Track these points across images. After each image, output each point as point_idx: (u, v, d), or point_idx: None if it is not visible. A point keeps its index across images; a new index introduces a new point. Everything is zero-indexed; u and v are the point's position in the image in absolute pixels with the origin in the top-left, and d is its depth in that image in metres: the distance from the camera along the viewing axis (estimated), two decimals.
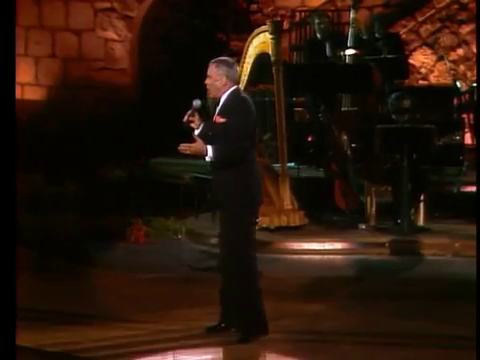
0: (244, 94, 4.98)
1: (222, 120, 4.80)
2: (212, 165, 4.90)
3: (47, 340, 4.84)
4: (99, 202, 8.00)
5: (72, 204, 8.01)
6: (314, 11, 9.44)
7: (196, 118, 4.87)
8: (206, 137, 4.80)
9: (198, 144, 4.79)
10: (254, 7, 10.43)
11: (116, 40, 10.09)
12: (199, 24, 10.17)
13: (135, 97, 9.88)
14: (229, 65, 4.92)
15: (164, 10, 10.26)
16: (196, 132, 4.85)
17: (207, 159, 4.82)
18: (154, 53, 10.11)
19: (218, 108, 4.90)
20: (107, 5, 10.10)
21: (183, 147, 4.82)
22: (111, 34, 10.12)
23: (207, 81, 4.95)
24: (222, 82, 4.87)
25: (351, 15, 8.74)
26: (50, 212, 7.72)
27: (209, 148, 4.76)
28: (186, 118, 4.88)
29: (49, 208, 7.83)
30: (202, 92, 8.26)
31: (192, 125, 4.89)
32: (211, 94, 4.98)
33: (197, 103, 4.90)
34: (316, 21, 8.79)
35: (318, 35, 8.79)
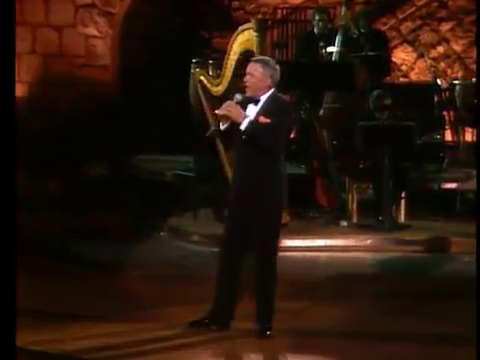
0: (283, 97, 5.06)
1: (267, 120, 4.79)
2: (243, 151, 4.83)
3: (29, 338, 4.83)
4: (82, 199, 7.98)
5: (55, 202, 7.98)
6: (306, 8, 9.46)
7: (238, 110, 4.81)
8: (250, 134, 4.77)
9: (239, 110, 4.78)
10: (236, 4, 10.43)
11: (97, 36, 10.05)
12: (181, 21, 10.16)
13: (117, 94, 9.85)
14: (274, 67, 4.95)
15: (145, 7, 10.23)
16: (242, 126, 4.78)
17: (242, 127, 4.74)
18: (136, 50, 10.08)
19: (259, 108, 4.85)
20: (88, 1, 10.05)
21: (226, 108, 4.77)
22: (92, 30, 10.07)
23: (249, 79, 4.89)
24: (266, 83, 4.88)
25: (342, 12, 8.77)
26: (33, 210, 7.69)
27: (246, 120, 4.74)
28: (224, 109, 4.81)
29: (32, 206, 7.80)
30: (183, 89, 8.34)
31: (230, 115, 4.80)
32: (249, 92, 4.90)
33: (239, 97, 4.88)
34: (316, 17, 8.81)
35: (315, 31, 8.82)
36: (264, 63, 4.93)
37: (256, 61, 4.98)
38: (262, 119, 4.80)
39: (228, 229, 4.93)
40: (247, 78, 4.91)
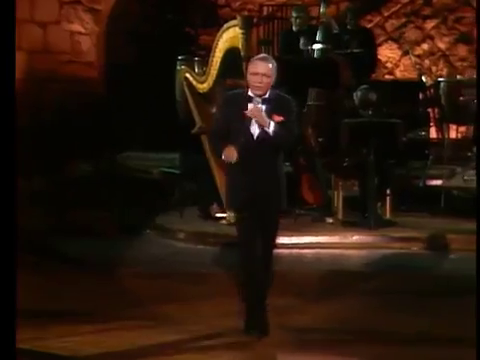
0: (283, 93, 4.91)
1: (280, 118, 4.74)
2: (258, 152, 4.76)
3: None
4: (67, 197, 7.96)
5: (39, 199, 7.96)
6: (291, 5, 9.45)
7: (264, 115, 4.73)
8: (278, 135, 4.72)
9: (264, 114, 4.71)
10: (222, 1, 10.43)
11: (82, 33, 10.02)
12: (167, 18, 10.15)
13: (102, 91, 9.83)
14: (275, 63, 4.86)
15: (131, 4, 10.21)
16: (271, 132, 4.72)
17: (270, 130, 4.68)
18: (121, 47, 10.06)
19: (268, 107, 4.75)
20: None
21: (255, 108, 4.68)
22: (77, 27, 10.04)
23: (263, 80, 4.74)
24: (273, 80, 4.80)
25: (321, 9, 8.79)
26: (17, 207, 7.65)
27: (272, 124, 4.69)
28: (251, 111, 4.71)
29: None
30: (168, 86, 8.33)
31: (257, 119, 4.72)
32: (260, 92, 4.77)
33: (259, 100, 4.76)
34: (294, 15, 8.83)
35: (294, 28, 8.83)
36: (270, 60, 4.83)
37: (264, 59, 4.84)
38: (276, 117, 4.74)
39: (246, 232, 4.83)
40: (260, 79, 4.73)
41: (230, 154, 4.77)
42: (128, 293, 5.93)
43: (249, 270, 4.82)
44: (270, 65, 4.78)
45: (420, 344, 4.85)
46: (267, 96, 4.78)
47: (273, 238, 4.92)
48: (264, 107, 4.78)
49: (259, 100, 4.75)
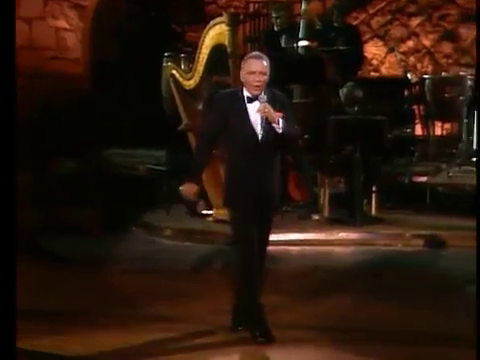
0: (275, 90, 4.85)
1: (281, 114, 4.65)
2: (262, 153, 4.69)
3: None
4: (53, 194, 7.93)
5: (25, 196, 7.92)
6: (272, 3, 9.46)
7: (271, 109, 4.63)
8: (288, 132, 4.66)
9: (273, 112, 4.62)
10: None
11: (68, 29, 9.97)
12: (153, 15, 10.13)
13: (88, 87, 9.80)
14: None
15: (117, 0, 10.18)
16: (280, 129, 4.64)
17: (278, 130, 4.61)
18: (107, 43, 10.03)
19: (271, 103, 4.65)
20: None
21: (265, 107, 4.59)
22: (62, 23, 9.99)
23: (262, 78, 4.65)
24: (268, 77, 4.72)
25: (303, 6, 8.81)
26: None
27: (281, 121, 4.61)
28: (261, 110, 4.62)
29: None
30: (155, 83, 8.32)
31: (267, 116, 4.62)
32: (257, 92, 4.67)
33: (265, 97, 4.66)
34: (274, 14, 8.82)
35: (275, 28, 8.83)
36: (264, 57, 4.75)
37: (258, 57, 4.74)
38: (278, 114, 4.66)
39: (244, 231, 4.77)
40: (258, 77, 4.65)
41: (189, 190, 4.75)
42: (115, 291, 5.92)
43: (246, 269, 4.78)
44: (265, 62, 4.71)
45: (406, 342, 4.87)
46: (264, 95, 4.67)
47: (267, 237, 4.90)
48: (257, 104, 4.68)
49: (265, 98, 4.64)
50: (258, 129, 4.69)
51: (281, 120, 4.64)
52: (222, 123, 4.74)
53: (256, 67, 4.68)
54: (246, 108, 4.70)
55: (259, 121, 4.69)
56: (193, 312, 5.39)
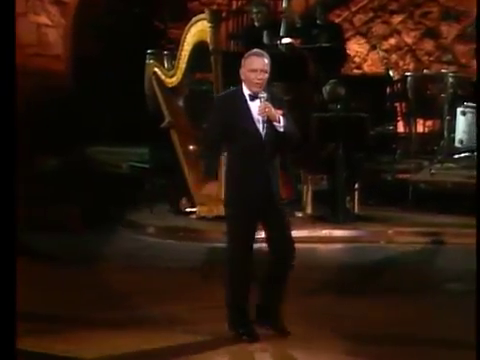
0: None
1: (281, 112, 4.59)
2: (271, 152, 4.62)
3: None
4: (36, 191, 7.89)
5: None
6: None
7: (272, 108, 4.56)
8: (289, 130, 4.59)
9: (274, 110, 4.56)
10: None
11: (49, 25, 9.90)
12: (135, 11, 10.09)
13: (70, 84, 9.75)
14: None
15: None
16: (281, 127, 4.57)
17: (280, 129, 4.55)
18: (89, 40, 9.98)
19: (270, 101, 4.60)
20: None
21: (265, 106, 4.53)
22: (44, 19, 9.92)
23: (263, 76, 4.58)
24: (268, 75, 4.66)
25: (284, 4, 8.81)
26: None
27: (282, 119, 4.57)
28: (262, 108, 4.56)
29: None
30: (138, 80, 8.29)
31: (268, 115, 4.56)
32: (259, 89, 4.60)
33: (265, 95, 4.60)
34: (254, 10, 8.82)
35: (256, 24, 8.83)
36: (265, 55, 4.68)
37: (259, 55, 4.66)
38: (278, 112, 4.59)
39: (241, 230, 4.70)
40: (260, 75, 4.58)
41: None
42: (98, 288, 5.90)
43: (239, 269, 4.74)
44: (266, 60, 4.64)
45: (391, 341, 4.89)
46: (265, 93, 4.60)
47: (289, 236, 4.75)
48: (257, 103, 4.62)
49: (265, 96, 4.59)
50: (261, 127, 4.63)
51: (282, 118, 4.59)
52: (223, 128, 4.66)
53: (257, 65, 4.62)
54: (248, 107, 4.63)
55: (261, 119, 4.62)
56: (177, 309, 5.38)
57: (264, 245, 4.87)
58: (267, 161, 4.66)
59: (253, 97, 4.63)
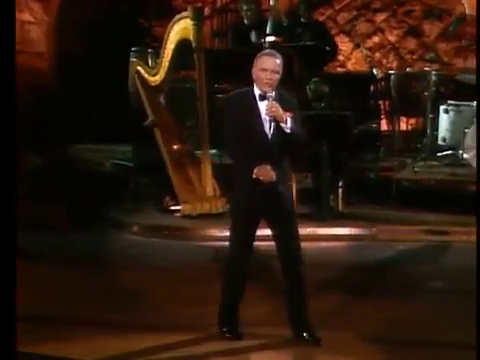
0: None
1: (290, 114, 4.59)
2: (279, 156, 4.62)
3: None
4: (19, 189, 7.84)
5: None
6: None
7: (279, 108, 4.57)
8: (296, 131, 4.59)
9: (281, 110, 4.56)
10: None
11: (32, 22, 9.86)
12: (119, 8, 10.05)
13: (53, 82, 9.70)
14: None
15: None
16: (288, 129, 4.57)
17: (286, 130, 4.55)
18: (73, 37, 9.93)
19: (280, 103, 4.58)
20: None
21: (272, 105, 4.53)
22: (27, 16, 9.86)
23: (274, 77, 4.58)
24: (280, 76, 4.65)
25: (271, 2, 8.82)
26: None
27: (289, 120, 4.56)
28: (269, 108, 4.55)
29: None
30: (122, 78, 8.26)
31: (275, 115, 4.56)
32: (268, 89, 4.59)
33: (274, 95, 4.60)
34: (244, 7, 8.81)
35: (245, 21, 8.83)
36: (278, 55, 4.67)
37: (271, 55, 4.67)
38: (287, 114, 4.60)
39: (243, 232, 4.73)
40: (270, 75, 4.58)
41: (266, 173, 4.59)
42: (82, 287, 5.88)
43: (235, 266, 4.76)
44: (278, 60, 4.63)
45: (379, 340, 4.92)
46: (274, 93, 4.61)
47: (297, 238, 4.78)
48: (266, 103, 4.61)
49: (273, 95, 4.57)
50: (268, 128, 4.62)
51: (289, 120, 4.58)
52: (239, 125, 4.65)
53: (268, 65, 4.62)
54: (257, 106, 4.63)
55: (269, 119, 4.61)
56: (162, 306, 5.38)
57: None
58: (273, 162, 4.62)
59: (263, 97, 4.63)
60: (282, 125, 4.59)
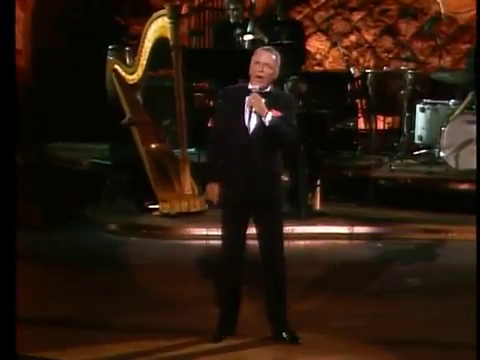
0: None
1: (279, 114, 4.58)
2: (256, 152, 4.60)
3: None
4: None
5: None
6: None
7: (262, 103, 4.55)
8: (276, 127, 4.56)
9: (262, 102, 4.54)
10: None
11: None
12: (96, 6, 9.99)
13: (30, 79, 9.64)
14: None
15: None
16: (267, 122, 4.55)
17: (267, 120, 4.53)
18: (49, 34, 9.86)
19: (268, 100, 4.58)
20: None
21: (253, 97, 4.53)
22: None
23: (265, 70, 4.58)
24: (276, 74, 4.64)
25: (252, 0, 8.82)
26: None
27: (269, 114, 4.53)
28: (249, 99, 4.56)
29: None
30: (98, 75, 8.21)
31: (254, 106, 4.55)
32: (261, 83, 4.59)
33: (257, 88, 4.59)
34: (231, 6, 8.80)
35: (231, 20, 8.82)
36: (275, 52, 4.68)
37: (268, 50, 4.69)
38: (274, 111, 4.59)
39: (230, 229, 4.72)
40: (262, 68, 4.57)
41: (211, 191, 4.65)
42: (57, 287, 5.85)
43: (228, 269, 4.75)
44: (274, 56, 4.64)
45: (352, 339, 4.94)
46: (268, 90, 4.63)
47: (280, 236, 4.74)
48: (264, 100, 4.59)
49: (257, 88, 4.57)
50: (250, 122, 4.62)
51: (270, 114, 4.57)
52: (226, 121, 4.68)
53: (262, 58, 4.62)
54: (244, 100, 4.62)
55: (252, 114, 4.60)
56: (140, 306, 5.37)
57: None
58: (254, 157, 4.61)
59: (250, 91, 4.62)
60: (263, 118, 4.58)
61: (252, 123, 4.64)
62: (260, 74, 4.60)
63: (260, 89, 4.61)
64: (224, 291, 4.83)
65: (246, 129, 4.64)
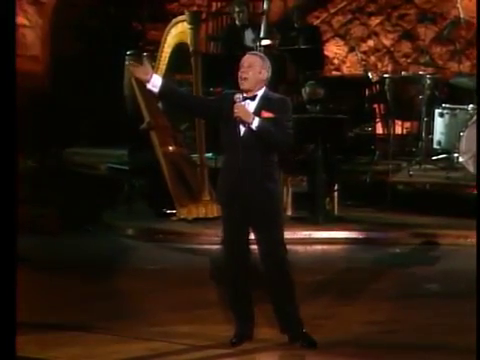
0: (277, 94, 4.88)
1: (269, 114, 4.65)
2: (249, 157, 4.66)
3: None
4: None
5: None
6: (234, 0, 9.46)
7: (246, 110, 4.62)
8: (263, 131, 4.62)
9: (247, 109, 4.63)
10: None
11: (27, 26, 9.84)
12: (113, 12, 10.05)
13: (47, 85, 9.69)
14: (268, 63, 4.75)
15: None
16: (254, 124, 4.61)
17: (254, 125, 4.59)
18: (67, 40, 9.92)
19: (257, 103, 4.66)
20: None
21: (240, 106, 4.62)
22: (21, 19, 9.84)
23: (248, 71, 4.66)
24: (263, 77, 4.68)
25: (265, 6, 8.83)
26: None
27: (256, 119, 4.60)
28: (234, 110, 4.63)
29: None
30: (116, 81, 8.25)
31: (239, 115, 4.63)
32: (246, 86, 4.67)
33: (240, 96, 4.66)
34: (236, 9, 8.82)
35: (237, 23, 8.83)
36: (261, 56, 4.78)
37: (253, 54, 4.84)
38: (265, 113, 4.65)
39: (229, 230, 4.75)
40: (246, 70, 4.67)
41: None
42: (75, 291, 5.86)
43: (231, 270, 4.75)
44: (259, 59, 4.71)
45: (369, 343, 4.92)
46: (258, 93, 4.69)
47: (279, 238, 4.73)
48: (252, 104, 4.67)
49: (240, 97, 4.65)
50: (237, 127, 4.67)
51: (257, 119, 4.62)
52: (213, 107, 4.77)
53: (244, 61, 4.71)
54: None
55: (256, 118, 4.65)
56: (155, 309, 5.37)
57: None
58: (246, 159, 4.65)
59: (245, 98, 4.68)
60: (250, 125, 4.64)
61: (240, 129, 4.70)
62: (243, 75, 4.68)
63: (246, 92, 4.67)
64: (232, 294, 4.83)
65: (239, 132, 4.69)
